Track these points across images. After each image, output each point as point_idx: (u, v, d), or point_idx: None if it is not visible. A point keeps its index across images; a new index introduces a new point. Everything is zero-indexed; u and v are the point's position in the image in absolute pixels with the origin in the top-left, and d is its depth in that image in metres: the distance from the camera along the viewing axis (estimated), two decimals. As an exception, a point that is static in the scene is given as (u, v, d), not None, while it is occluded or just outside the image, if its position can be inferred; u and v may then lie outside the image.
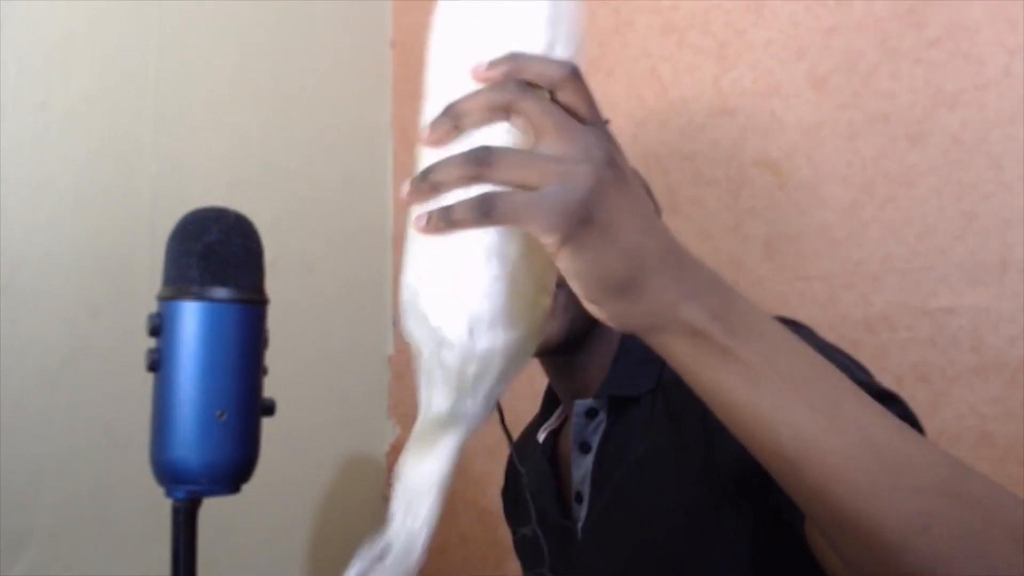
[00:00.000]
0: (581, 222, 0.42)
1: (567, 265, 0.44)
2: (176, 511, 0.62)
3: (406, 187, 0.47)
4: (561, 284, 0.75)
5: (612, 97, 1.31)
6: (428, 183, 0.46)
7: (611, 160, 0.44)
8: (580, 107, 0.45)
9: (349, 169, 1.47)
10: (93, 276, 1.05)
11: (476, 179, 0.44)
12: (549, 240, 0.43)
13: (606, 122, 0.48)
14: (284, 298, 0.77)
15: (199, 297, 0.62)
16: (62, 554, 0.99)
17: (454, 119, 0.46)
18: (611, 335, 0.80)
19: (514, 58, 0.45)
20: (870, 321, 1.07)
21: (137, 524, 1.06)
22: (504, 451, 1.41)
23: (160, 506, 0.64)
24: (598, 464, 0.77)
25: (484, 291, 0.47)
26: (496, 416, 1.40)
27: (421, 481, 0.56)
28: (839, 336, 0.65)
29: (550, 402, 0.92)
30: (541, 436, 0.90)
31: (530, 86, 0.44)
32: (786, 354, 0.45)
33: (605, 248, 0.43)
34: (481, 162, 0.43)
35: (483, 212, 0.43)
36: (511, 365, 0.50)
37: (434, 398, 0.54)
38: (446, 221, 0.44)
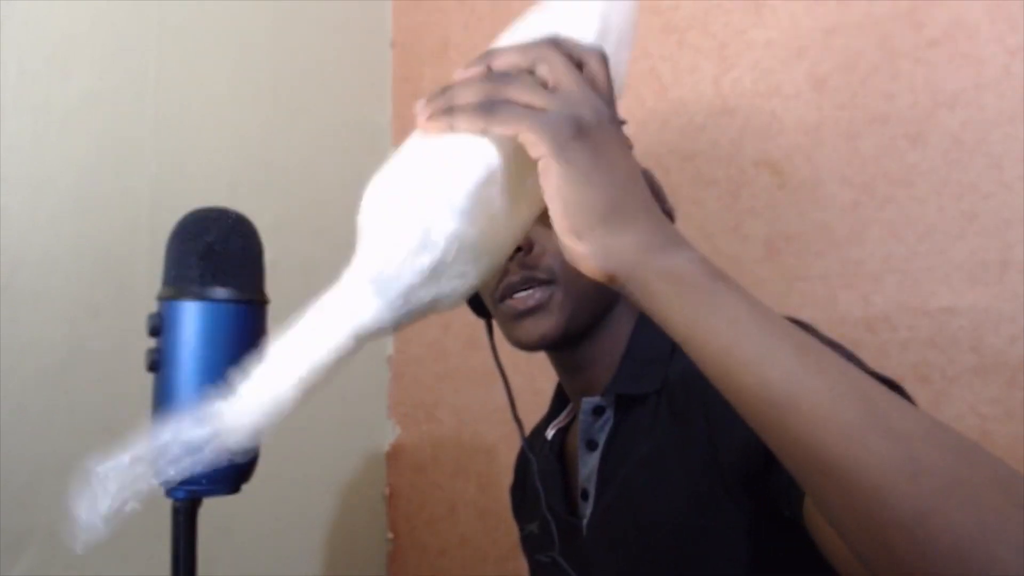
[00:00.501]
0: (575, 138, 0.44)
1: (555, 183, 0.44)
2: (176, 511, 0.62)
3: (421, 102, 0.49)
4: (556, 280, 0.76)
5: (612, 97, 1.31)
6: (444, 98, 0.47)
7: (614, 119, 0.47)
8: (599, 83, 0.48)
9: (349, 169, 1.47)
10: (93, 276, 1.05)
11: (491, 95, 0.46)
12: (542, 150, 0.44)
13: (622, 122, 0.50)
14: (284, 298, 0.77)
15: (199, 297, 0.62)
16: (62, 554, 0.99)
17: (487, 60, 0.48)
18: (617, 333, 0.80)
19: (552, 35, 0.48)
20: (870, 321, 1.07)
21: (137, 524, 1.06)
22: (504, 451, 1.41)
23: (160, 506, 0.64)
24: (604, 461, 0.78)
25: (467, 190, 0.46)
26: (495, 416, 1.40)
27: (288, 358, 0.49)
28: (839, 336, 0.65)
29: (559, 400, 0.92)
30: (550, 433, 0.90)
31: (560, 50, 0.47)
32: (762, 306, 0.45)
33: (594, 170, 0.44)
34: (498, 81, 0.46)
35: (485, 112, 0.45)
36: (454, 281, 0.47)
37: (362, 265, 0.48)
38: (448, 116, 0.46)
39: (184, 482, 0.62)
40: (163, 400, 0.62)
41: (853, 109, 1.10)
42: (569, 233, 0.45)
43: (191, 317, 0.62)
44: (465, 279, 0.48)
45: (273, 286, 0.69)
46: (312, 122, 1.41)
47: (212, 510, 0.62)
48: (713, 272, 0.45)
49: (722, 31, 1.21)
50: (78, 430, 1.02)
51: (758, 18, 1.18)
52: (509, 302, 0.76)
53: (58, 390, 1.00)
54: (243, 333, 0.64)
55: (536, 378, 1.12)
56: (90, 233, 1.05)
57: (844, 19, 1.12)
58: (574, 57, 0.48)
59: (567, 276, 0.75)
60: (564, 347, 0.80)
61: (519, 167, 0.47)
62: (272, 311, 0.68)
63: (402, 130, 1.57)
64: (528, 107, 0.45)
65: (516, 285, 0.75)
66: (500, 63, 0.48)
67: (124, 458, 0.49)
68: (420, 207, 0.46)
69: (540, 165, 0.44)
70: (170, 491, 0.62)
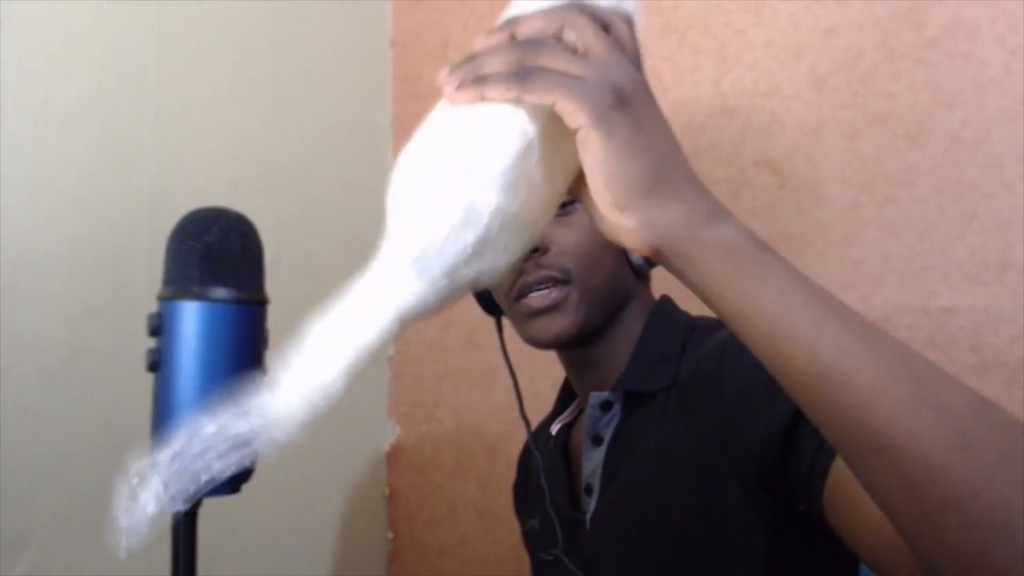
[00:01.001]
0: (615, 107, 0.42)
1: (596, 153, 0.42)
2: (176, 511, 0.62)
3: (445, 70, 0.46)
4: (571, 280, 0.76)
5: (612, 97, 1.31)
6: (472, 67, 0.45)
7: (647, 85, 0.45)
8: (629, 48, 0.47)
9: (349, 169, 1.47)
10: (93, 276, 1.05)
11: (520, 63, 0.43)
12: (582, 120, 0.41)
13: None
14: (284, 298, 0.77)
15: (199, 297, 0.62)
16: (62, 554, 0.99)
17: (511, 27, 0.46)
18: (628, 332, 0.81)
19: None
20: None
21: (137, 524, 1.06)
22: (504, 451, 1.41)
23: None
24: (609, 456, 0.78)
25: (507, 162, 0.44)
26: (495, 416, 1.40)
27: (332, 345, 0.47)
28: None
29: (565, 396, 0.93)
30: (554, 428, 0.90)
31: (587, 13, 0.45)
32: (809, 279, 0.43)
33: (636, 139, 0.42)
34: (528, 48, 0.44)
35: (519, 80, 0.42)
36: (497, 256, 0.46)
37: (402, 245, 0.46)
38: (479, 85, 0.44)
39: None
40: (163, 400, 0.62)
41: (853, 109, 1.10)
42: (612, 207, 0.43)
43: (191, 317, 0.62)
44: (508, 253, 0.46)
45: (273, 286, 0.69)
46: (312, 122, 1.41)
47: (212, 510, 0.62)
48: (760, 243, 0.43)
49: (722, 31, 1.21)
50: (78, 430, 1.02)
51: (758, 18, 1.18)
52: (525, 301, 0.77)
53: (58, 390, 1.00)
54: (243, 333, 0.64)
55: (536, 379, 1.12)
56: (90, 233, 1.05)
57: (844, 19, 1.12)
58: (600, 21, 0.46)
59: (582, 275, 0.76)
60: (577, 346, 0.80)
61: (553, 137, 0.45)
62: (272, 311, 0.68)
63: (402, 130, 1.57)
64: (563, 74, 0.42)
65: (532, 284, 0.76)
66: (525, 29, 0.45)
67: (167, 455, 0.47)
68: (462, 182, 0.44)
69: (579, 136, 0.42)
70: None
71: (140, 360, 0.64)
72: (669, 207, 0.43)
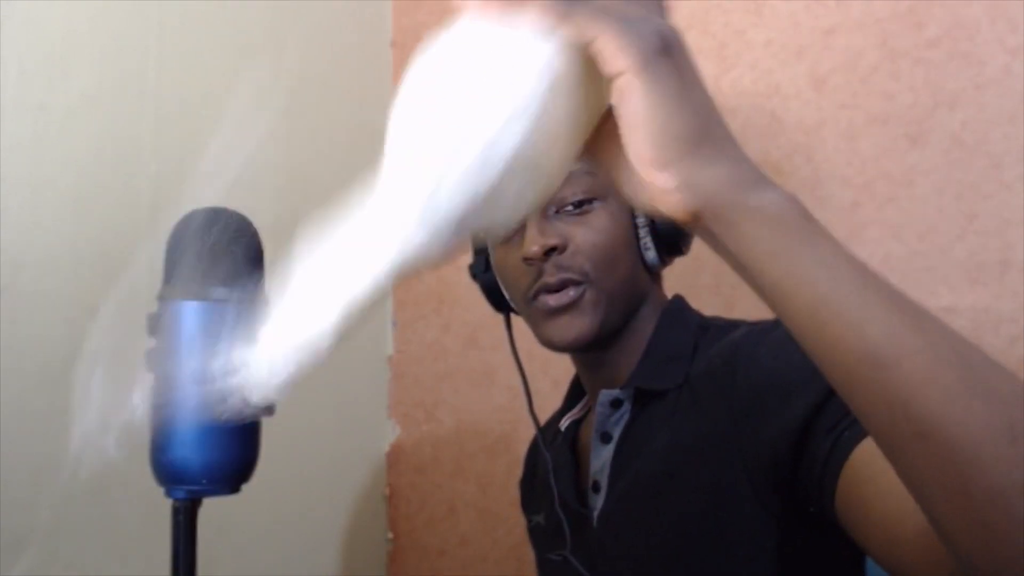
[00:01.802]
0: (659, 53, 0.38)
1: (638, 103, 0.37)
2: (176, 511, 0.62)
3: None
4: (589, 281, 0.75)
5: (612, 97, 1.31)
6: None
7: (684, 39, 0.41)
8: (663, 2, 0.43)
9: (349, 169, 1.46)
10: (93, 276, 1.05)
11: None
12: (624, 64, 0.37)
13: None
14: (284, 298, 0.77)
15: (199, 297, 0.62)
16: (62, 554, 0.99)
17: None
18: (641, 332, 0.80)
19: None
20: (870, 321, 1.07)
21: (137, 524, 1.06)
22: (504, 451, 1.41)
23: (160, 506, 0.64)
24: (618, 453, 0.78)
25: (530, 102, 0.38)
26: (495, 416, 1.40)
27: (319, 300, 0.42)
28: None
29: (575, 393, 0.92)
30: (564, 424, 0.90)
31: None
32: (854, 255, 0.40)
33: (681, 89, 0.38)
34: None
35: (560, 12, 0.38)
36: (510, 206, 0.41)
37: (403, 188, 0.41)
38: (511, 5, 0.38)
39: (184, 482, 0.62)
40: (163, 400, 0.62)
41: (853, 109, 1.10)
42: (652, 164, 0.38)
43: (191, 317, 0.62)
44: (521, 202, 0.41)
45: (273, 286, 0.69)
46: (312, 122, 1.40)
47: (212, 510, 0.62)
48: (807, 213, 0.39)
49: (722, 31, 1.21)
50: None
51: (758, 18, 1.18)
52: (543, 298, 0.76)
53: (58, 390, 1.00)
54: (243, 333, 0.64)
55: (536, 378, 1.12)
56: (90, 233, 1.05)
57: (844, 19, 1.12)
58: None
59: (600, 276, 0.76)
60: (594, 348, 0.80)
61: (582, 81, 0.40)
62: (272, 311, 0.68)
63: (402, 130, 1.57)
64: (604, 11, 0.38)
65: (552, 285, 0.76)
66: None
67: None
68: (478, 119, 0.38)
69: (620, 82, 0.37)
70: (170, 491, 0.62)
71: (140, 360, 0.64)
72: (714, 167, 0.38)
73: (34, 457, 0.98)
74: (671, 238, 0.78)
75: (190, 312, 0.62)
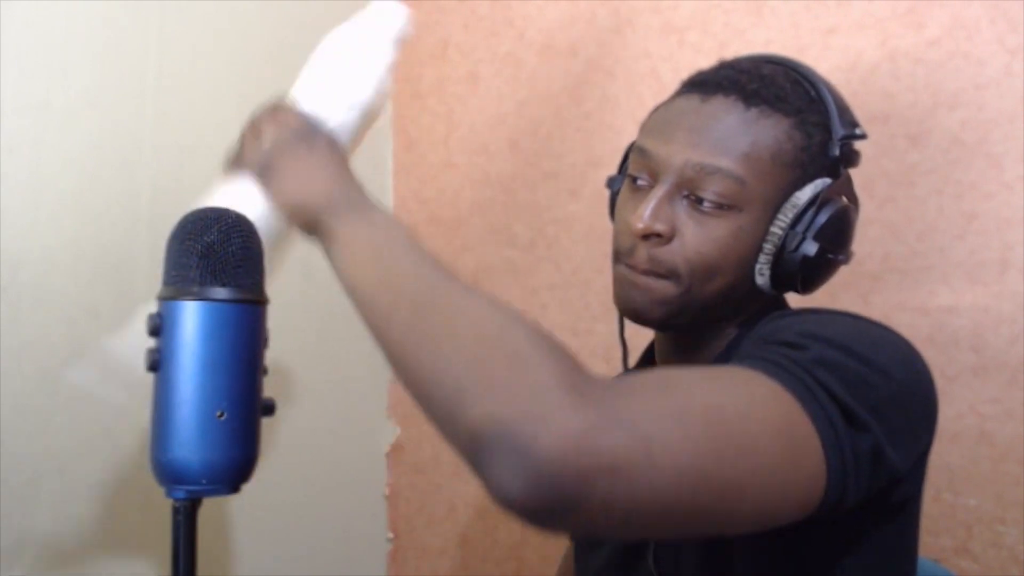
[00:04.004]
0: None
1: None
2: (176, 511, 0.62)
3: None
4: (679, 281, 0.71)
5: (612, 97, 1.31)
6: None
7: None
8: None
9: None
10: (93, 276, 1.05)
11: None
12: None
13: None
14: (284, 298, 0.77)
15: (199, 297, 0.62)
16: (62, 554, 1.00)
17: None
18: (724, 331, 0.77)
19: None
20: (870, 321, 1.07)
21: (137, 524, 1.06)
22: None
23: (160, 506, 0.64)
24: None
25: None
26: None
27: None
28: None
29: (646, 362, 0.87)
30: None
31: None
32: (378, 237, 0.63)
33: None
34: None
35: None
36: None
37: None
38: None
39: (184, 482, 0.62)
40: (163, 400, 0.62)
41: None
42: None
43: (191, 317, 0.62)
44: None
45: (273, 286, 0.69)
46: (312, 122, 1.40)
47: (212, 510, 0.63)
48: (337, 216, 0.68)
49: (722, 31, 1.21)
50: (78, 430, 1.02)
51: (758, 18, 1.18)
52: (625, 272, 0.73)
53: (58, 390, 1.00)
54: (243, 333, 0.64)
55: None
56: (90, 233, 1.05)
57: (844, 19, 1.12)
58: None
59: (691, 282, 0.71)
60: (667, 329, 0.77)
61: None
62: (272, 311, 0.68)
63: (402, 130, 1.57)
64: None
65: (637, 265, 0.72)
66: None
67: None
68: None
69: None
70: (170, 491, 0.63)
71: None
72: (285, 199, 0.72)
73: (34, 457, 0.98)
74: (790, 272, 0.71)
75: (190, 312, 0.62)
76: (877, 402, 0.56)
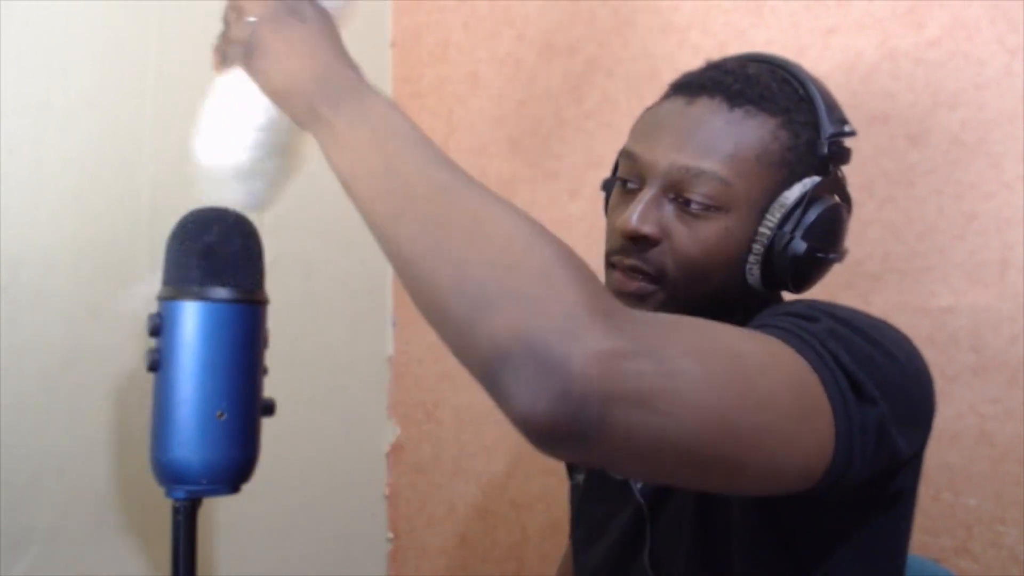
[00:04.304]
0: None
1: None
2: (176, 511, 0.62)
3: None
4: (664, 282, 0.71)
5: (612, 97, 1.31)
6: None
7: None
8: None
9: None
10: (93, 276, 1.05)
11: None
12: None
13: None
14: (284, 298, 0.77)
15: (199, 297, 0.62)
16: (62, 554, 0.99)
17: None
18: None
19: None
20: (870, 321, 1.07)
21: (137, 524, 1.06)
22: (503, 451, 1.41)
23: (160, 506, 0.64)
24: None
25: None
26: (495, 416, 1.40)
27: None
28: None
29: None
30: None
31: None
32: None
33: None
34: None
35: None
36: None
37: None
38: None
39: (184, 482, 0.62)
40: (163, 400, 0.62)
41: (853, 109, 1.10)
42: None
43: (191, 317, 0.62)
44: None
45: (273, 286, 0.69)
46: (312, 122, 1.40)
47: (212, 510, 0.62)
48: (336, 107, 0.60)
49: (722, 31, 1.21)
50: (78, 430, 1.02)
51: (758, 18, 1.18)
52: (616, 275, 0.73)
53: (58, 390, 1.00)
54: (243, 333, 0.64)
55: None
56: (90, 233, 1.05)
57: (844, 19, 1.12)
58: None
59: (679, 283, 0.71)
60: None
61: None
62: (272, 311, 0.68)
63: (402, 130, 1.57)
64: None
65: (625, 265, 0.72)
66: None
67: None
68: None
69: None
70: (170, 491, 0.63)
71: (140, 360, 0.64)
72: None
73: (34, 457, 0.98)
74: (780, 271, 0.71)
75: (190, 312, 0.62)
76: (884, 381, 0.57)
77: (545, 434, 0.43)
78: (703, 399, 0.45)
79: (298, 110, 0.60)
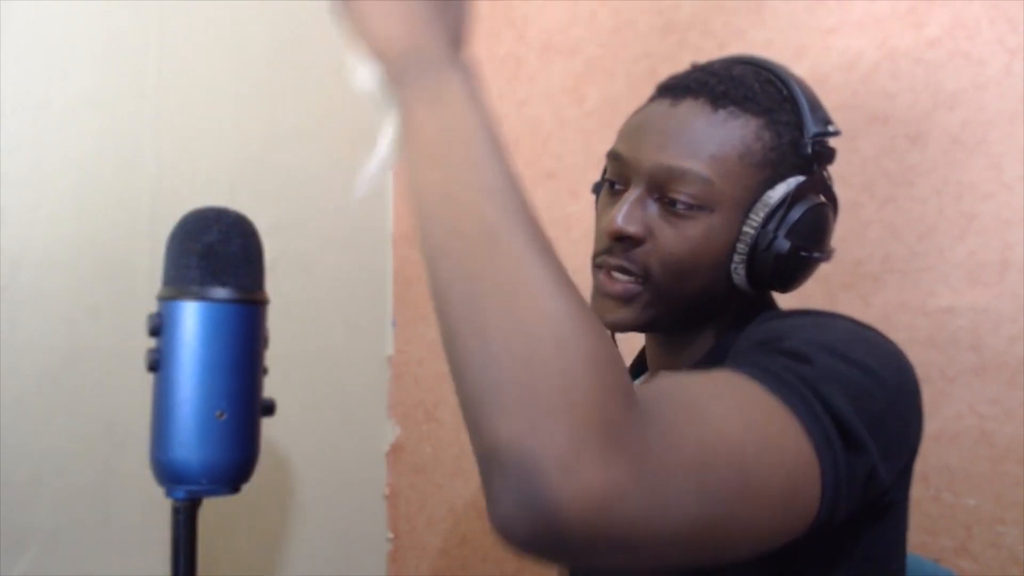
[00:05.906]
0: None
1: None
2: (176, 511, 0.62)
3: None
4: (650, 282, 0.72)
5: (612, 97, 1.31)
6: None
7: None
8: None
9: (349, 169, 1.47)
10: (93, 276, 1.05)
11: None
12: None
13: None
14: (284, 298, 0.77)
15: (199, 297, 0.62)
16: (62, 554, 0.99)
17: None
18: (710, 330, 0.77)
19: None
20: (869, 321, 1.07)
21: (137, 524, 1.06)
22: (504, 451, 1.41)
23: (160, 506, 0.64)
24: None
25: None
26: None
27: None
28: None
29: (639, 365, 0.89)
30: None
31: None
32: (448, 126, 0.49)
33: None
34: None
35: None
36: None
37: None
38: None
39: (184, 482, 0.62)
40: (163, 400, 0.62)
41: (853, 109, 1.10)
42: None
43: (191, 317, 0.62)
44: None
45: (273, 286, 0.69)
46: (312, 122, 1.41)
47: (212, 510, 0.62)
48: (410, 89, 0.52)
49: (722, 31, 1.21)
50: (78, 430, 1.02)
51: (758, 18, 1.18)
52: (601, 276, 0.74)
53: (58, 390, 1.00)
54: (243, 333, 0.64)
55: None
56: (90, 233, 1.05)
57: (844, 19, 1.12)
58: None
59: (664, 282, 0.71)
60: (653, 332, 0.78)
61: None
62: (272, 311, 0.68)
63: (402, 130, 1.57)
64: None
65: (610, 265, 0.73)
66: None
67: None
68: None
69: None
70: (170, 491, 0.63)
71: (140, 360, 0.64)
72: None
73: (34, 457, 0.98)
74: (764, 270, 0.71)
75: (190, 312, 0.62)
76: (875, 414, 0.57)
77: (517, 546, 0.43)
78: (695, 517, 0.45)
79: (386, 76, 0.53)
